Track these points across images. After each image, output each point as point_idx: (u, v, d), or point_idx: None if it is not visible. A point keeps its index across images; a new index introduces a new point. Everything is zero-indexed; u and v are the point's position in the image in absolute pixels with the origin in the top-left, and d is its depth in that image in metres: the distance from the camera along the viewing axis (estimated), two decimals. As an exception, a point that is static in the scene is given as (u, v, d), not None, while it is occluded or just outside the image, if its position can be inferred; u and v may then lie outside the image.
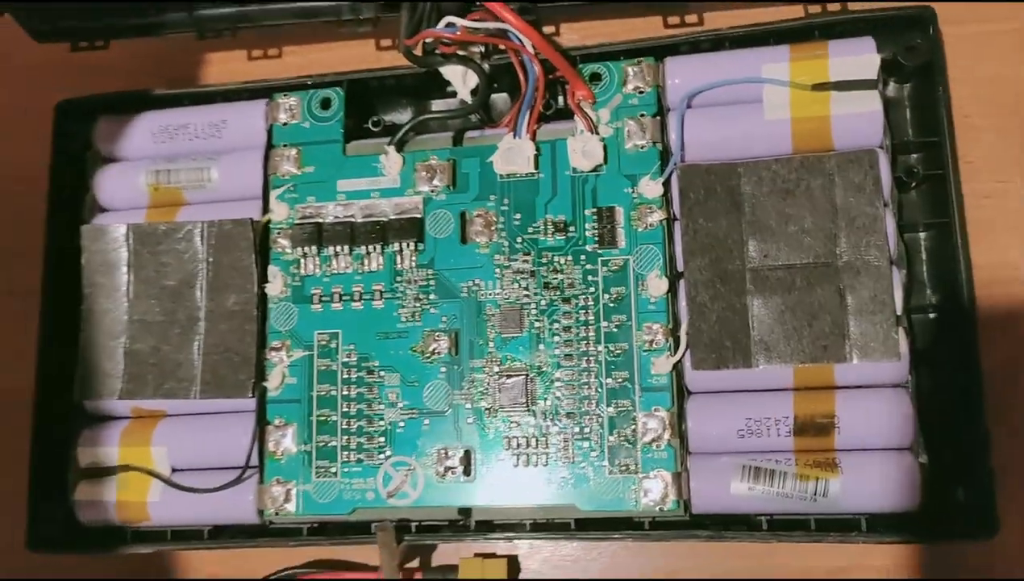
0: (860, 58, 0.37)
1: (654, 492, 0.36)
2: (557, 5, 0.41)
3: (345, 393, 0.39)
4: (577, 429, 0.37)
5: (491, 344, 0.38)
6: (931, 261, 0.38)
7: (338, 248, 0.39)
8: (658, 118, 0.38)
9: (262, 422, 0.39)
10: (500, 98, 0.42)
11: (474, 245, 0.39)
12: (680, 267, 0.37)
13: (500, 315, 0.38)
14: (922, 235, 0.38)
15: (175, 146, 0.42)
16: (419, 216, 0.39)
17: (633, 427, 0.36)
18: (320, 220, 0.40)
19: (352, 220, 0.40)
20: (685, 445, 0.36)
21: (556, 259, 0.38)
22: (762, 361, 0.36)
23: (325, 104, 0.41)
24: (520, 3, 0.39)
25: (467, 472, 0.37)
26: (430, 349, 0.38)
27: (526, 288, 0.38)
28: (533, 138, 0.39)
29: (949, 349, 0.36)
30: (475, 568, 0.38)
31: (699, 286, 0.37)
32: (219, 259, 0.40)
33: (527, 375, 0.37)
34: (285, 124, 0.41)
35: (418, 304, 0.39)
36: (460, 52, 0.39)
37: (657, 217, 0.38)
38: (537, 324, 0.38)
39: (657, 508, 0.36)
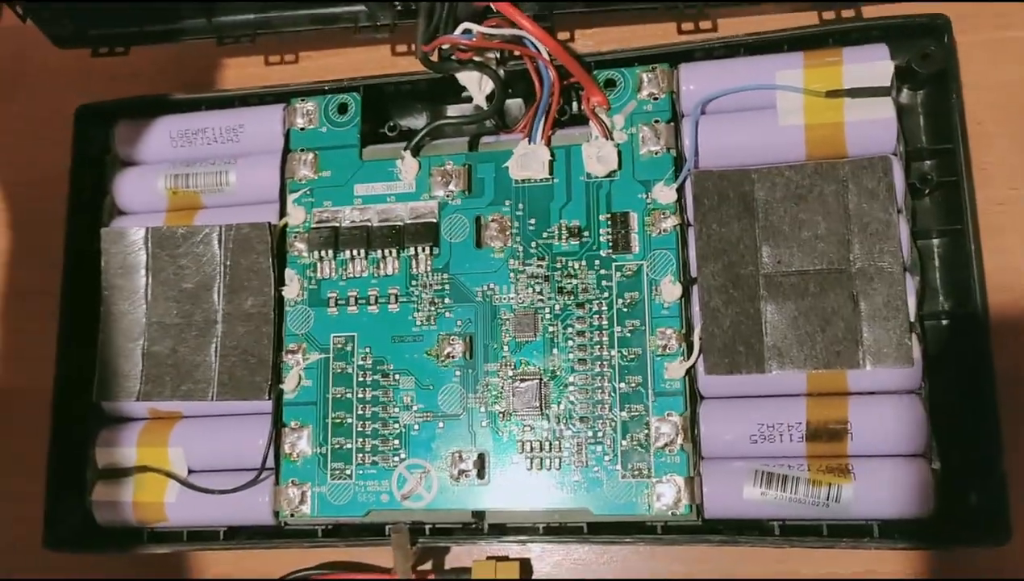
0: (874, 65, 0.37)
1: (667, 496, 0.36)
2: (572, 12, 0.41)
3: (360, 396, 0.39)
4: (590, 433, 0.37)
5: (505, 348, 0.38)
6: (944, 267, 0.38)
7: (354, 252, 0.40)
8: (672, 124, 0.39)
9: (278, 424, 0.39)
10: (514, 104, 0.42)
11: (489, 250, 0.39)
12: (694, 272, 0.37)
13: (514, 319, 0.38)
14: (935, 242, 0.38)
15: (193, 150, 0.43)
16: (435, 221, 0.40)
17: (646, 431, 0.36)
18: (336, 224, 0.40)
19: (368, 224, 0.40)
20: (698, 450, 0.36)
21: (570, 264, 0.38)
22: (775, 366, 0.36)
23: (342, 109, 0.41)
24: (538, 2, 0.39)
25: (481, 475, 0.37)
26: (445, 353, 0.39)
27: (540, 293, 0.38)
28: (548, 144, 0.39)
29: (962, 355, 0.36)
30: (488, 571, 0.39)
31: (712, 291, 0.37)
32: (236, 262, 0.41)
33: (541, 379, 0.38)
34: (302, 129, 0.42)
35: (433, 308, 0.39)
36: (476, 58, 0.40)
37: (671, 222, 0.38)
38: (551, 328, 0.38)
39: (670, 512, 0.36)
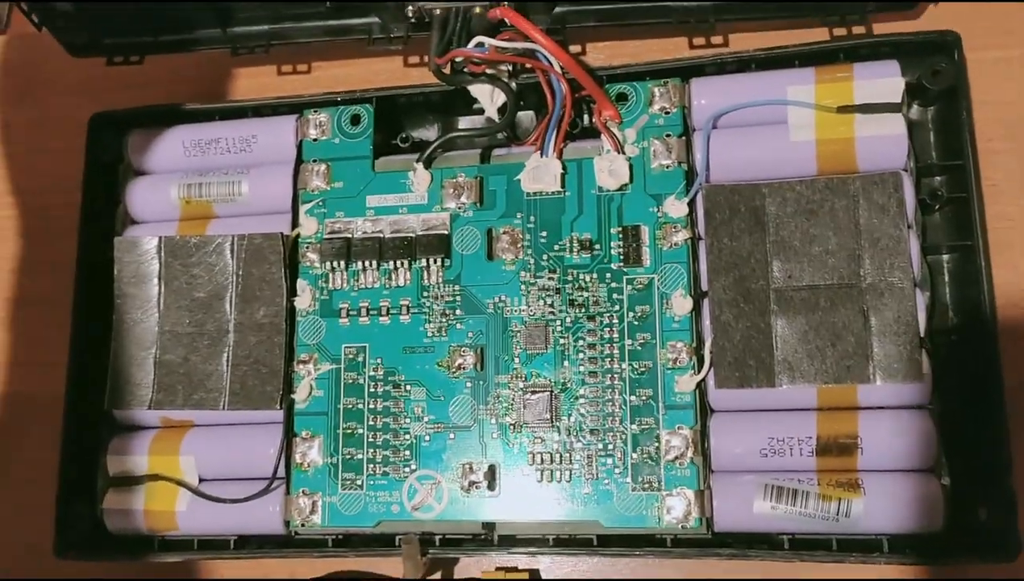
0: (885, 81, 0.37)
1: (677, 510, 0.36)
2: (585, 25, 0.41)
3: (371, 406, 0.39)
4: (601, 446, 0.37)
5: (516, 360, 0.38)
6: (954, 283, 0.38)
7: (366, 263, 0.40)
8: (684, 138, 0.39)
9: (289, 434, 0.40)
10: (525, 116, 0.42)
11: (500, 262, 0.39)
12: (704, 286, 0.38)
13: (525, 331, 0.38)
14: (945, 257, 0.38)
15: (206, 160, 0.43)
16: (446, 232, 0.40)
17: (656, 445, 0.37)
18: (349, 235, 0.40)
19: (380, 235, 0.40)
20: (708, 463, 0.37)
21: (581, 277, 0.39)
22: (785, 381, 0.36)
23: (355, 120, 0.42)
24: (550, 16, 0.39)
25: (491, 487, 0.38)
26: (456, 364, 0.39)
27: (551, 305, 0.39)
28: (560, 156, 0.39)
29: (971, 371, 0.36)
30: (497, 582, 0.39)
31: (723, 305, 0.37)
32: (249, 272, 0.41)
33: (552, 391, 0.38)
34: (315, 140, 0.42)
35: (444, 319, 0.39)
36: (489, 71, 0.40)
37: (682, 236, 0.38)
38: (562, 341, 0.38)
39: (680, 526, 0.36)
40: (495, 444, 0.38)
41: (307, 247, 0.41)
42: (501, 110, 0.40)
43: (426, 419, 0.39)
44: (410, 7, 0.41)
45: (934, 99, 0.39)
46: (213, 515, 0.40)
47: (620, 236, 0.39)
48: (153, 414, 0.41)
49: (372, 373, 0.39)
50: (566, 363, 0.38)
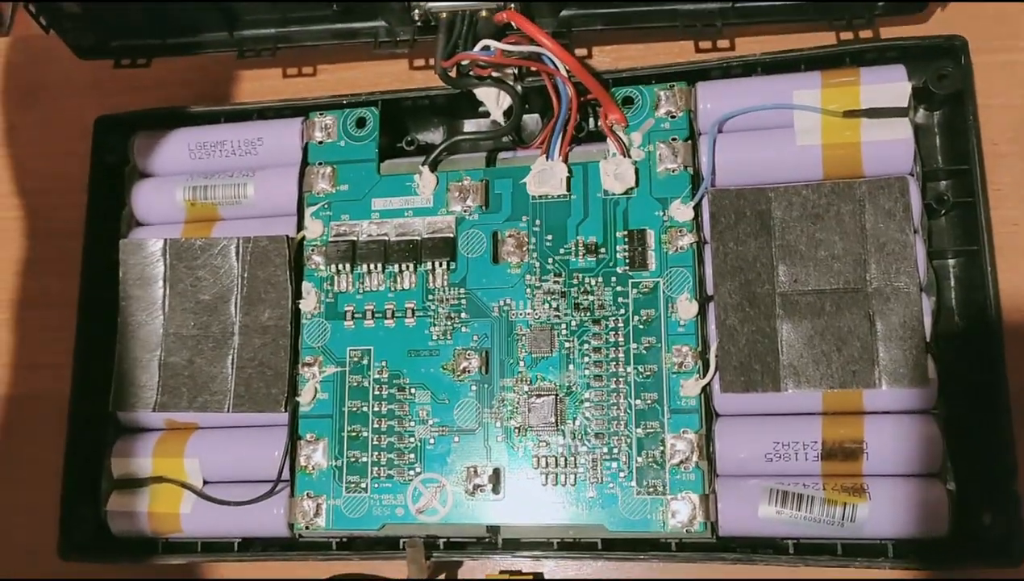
0: (891, 86, 0.37)
1: (682, 514, 0.36)
2: (591, 29, 0.41)
3: (376, 409, 0.39)
4: (606, 449, 0.37)
5: (521, 363, 0.38)
6: (960, 287, 0.38)
7: (371, 266, 0.40)
8: (689, 142, 0.39)
9: (294, 436, 0.40)
10: (531, 119, 0.42)
11: (506, 265, 0.39)
12: (710, 290, 0.38)
13: (531, 335, 0.38)
14: (951, 262, 0.38)
15: (211, 162, 0.43)
16: (452, 235, 0.40)
17: (661, 448, 0.37)
18: (354, 238, 0.40)
19: (385, 238, 0.40)
20: (713, 467, 0.37)
21: (587, 280, 0.39)
22: (791, 385, 0.36)
23: (360, 123, 0.42)
24: (556, 19, 0.39)
25: (496, 490, 0.38)
26: (461, 367, 0.39)
27: (557, 308, 0.39)
28: (565, 160, 0.39)
29: (977, 376, 0.36)
30: (501, 585, 0.39)
31: (729, 309, 0.37)
32: (254, 275, 0.41)
33: (557, 395, 0.38)
34: (320, 142, 0.42)
35: (450, 323, 0.39)
36: (494, 74, 0.40)
37: (688, 240, 0.38)
38: (567, 344, 0.38)
39: (684, 530, 0.36)
40: (500, 447, 0.38)
41: (312, 250, 0.41)
42: (507, 113, 0.40)
43: (431, 422, 0.39)
44: (416, 10, 0.41)
45: (940, 103, 0.39)
46: (217, 517, 0.40)
47: (626, 240, 0.38)
48: (158, 416, 0.41)
49: (377, 376, 0.39)
50: (571, 367, 0.38)
